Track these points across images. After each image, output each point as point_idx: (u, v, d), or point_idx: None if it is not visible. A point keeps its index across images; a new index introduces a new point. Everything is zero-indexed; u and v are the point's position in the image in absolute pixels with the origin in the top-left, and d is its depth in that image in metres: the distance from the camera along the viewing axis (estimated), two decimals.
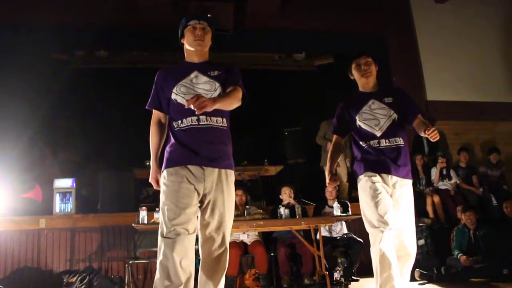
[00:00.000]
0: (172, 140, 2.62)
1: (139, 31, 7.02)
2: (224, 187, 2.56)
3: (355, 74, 3.27)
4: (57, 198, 5.71)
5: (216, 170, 2.55)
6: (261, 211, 5.40)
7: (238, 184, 5.87)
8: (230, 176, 2.63)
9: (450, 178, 6.85)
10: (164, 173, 2.56)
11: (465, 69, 8.08)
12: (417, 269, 5.04)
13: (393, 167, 3.04)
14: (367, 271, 4.58)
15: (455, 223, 6.04)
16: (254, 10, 7.33)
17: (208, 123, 2.56)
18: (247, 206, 5.49)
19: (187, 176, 2.49)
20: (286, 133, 7.32)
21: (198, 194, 2.50)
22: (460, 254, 5.37)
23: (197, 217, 2.54)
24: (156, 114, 2.73)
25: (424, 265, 5.34)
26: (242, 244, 5.39)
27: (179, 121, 2.58)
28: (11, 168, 5.86)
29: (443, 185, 6.82)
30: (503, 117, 8.03)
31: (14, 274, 5.31)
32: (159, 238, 2.46)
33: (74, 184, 5.81)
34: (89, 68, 8.04)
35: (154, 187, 2.68)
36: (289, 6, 7.61)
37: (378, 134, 3.10)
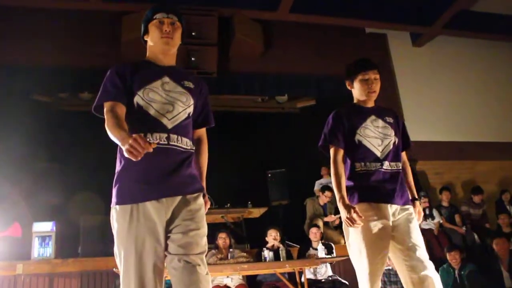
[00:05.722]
0: (127, 164, 2.07)
1: None
2: (192, 212, 2.11)
3: (358, 88, 2.81)
4: (36, 242, 5.56)
5: (179, 197, 2.09)
6: (245, 254, 5.33)
7: (222, 227, 5.84)
8: (199, 200, 2.17)
9: (433, 218, 6.89)
10: (117, 208, 2.07)
11: (443, 110, 8.30)
12: None
13: (393, 196, 2.67)
14: None
15: (439, 262, 6.03)
16: (237, 54, 7.47)
17: (177, 144, 2.12)
18: (230, 249, 5.42)
19: (146, 214, 2.03)
20: (269, 175, 7.32)
21: (163, 229, 2.07)
22: None
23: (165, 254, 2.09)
24: (110, 105, 2.11)
25: None
26: None
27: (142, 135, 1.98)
28: None
29: (426, 224, 6.84)
30: (482, 156, 8.19)
31: None
32: None
33: (54, 228, 5.69)
34: (72, 110, 8.04)
35: (126, 151, 1.86)
36: (271, 50, 7.79)
37: (380, 155, 2.71)
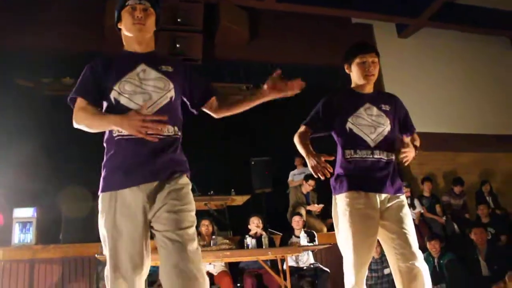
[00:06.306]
0: (110, 152, 2.10)
1: None
2: (176, 192, 2.07)
3: (356, 71, 2.76)
4: (17, 228, 5.50)
5: (157, 182, 2.05)
6: (228, 241, 5.35)
7: (205, 214, 5.84)
8: (180, 180, 2.11)
9: (414, 207, 6.97)
10: (100, 196, 2.09)
11: (428, 101, 8.34)
12: None
13: (383, 185, 2.64)
14: None
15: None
16: (223, 41, 7.43)
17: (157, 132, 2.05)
18: (213, 237, 5.44)
19: (124, 201, 2.02)
20: (253, 163, 7.31)
21: (144, 215, 2.04)
22: None
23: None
24: (82, 102, 2.11)
25: None
26: (208, 275, 5.30)
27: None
28: None
29: None
30: (464, 148, 8.30)
31: None
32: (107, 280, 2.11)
33: (35, 214, 5.63)
34: (54, 95, 7.92)
35: (130, 128, 1.95)
36: (257, 38, 7.75)
37: (372, 144, 2.66)
